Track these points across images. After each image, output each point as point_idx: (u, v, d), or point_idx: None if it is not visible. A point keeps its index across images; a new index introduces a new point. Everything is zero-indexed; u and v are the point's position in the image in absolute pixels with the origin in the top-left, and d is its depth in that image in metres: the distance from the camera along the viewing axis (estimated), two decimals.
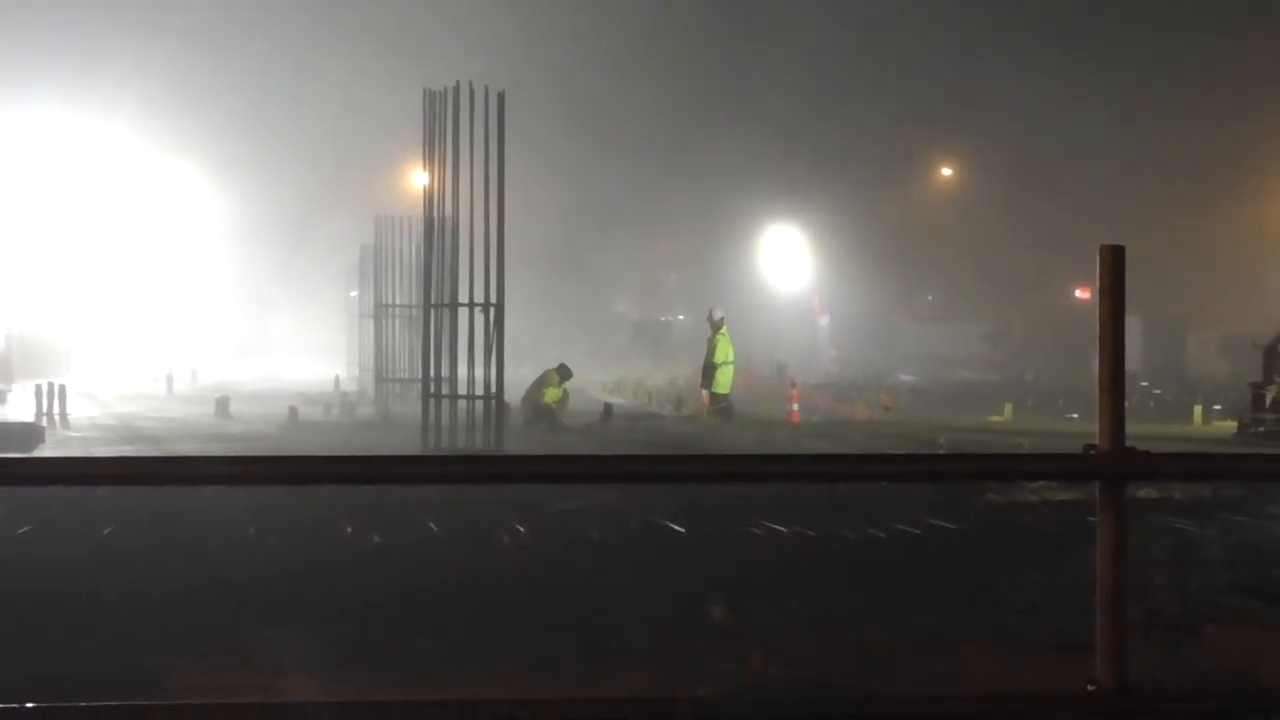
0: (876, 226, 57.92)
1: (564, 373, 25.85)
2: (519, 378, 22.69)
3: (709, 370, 27.31)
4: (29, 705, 4.78)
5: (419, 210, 20.42)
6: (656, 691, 7.94)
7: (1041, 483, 12.55)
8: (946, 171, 62.70)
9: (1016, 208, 56.02)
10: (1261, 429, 22.36)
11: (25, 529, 10.67)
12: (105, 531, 10.76)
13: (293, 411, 26.39)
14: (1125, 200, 50.99)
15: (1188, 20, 55.59)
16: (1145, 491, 12.07)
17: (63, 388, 26.76)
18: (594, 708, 6.04)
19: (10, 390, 32.10)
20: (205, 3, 55.73)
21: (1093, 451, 4.11)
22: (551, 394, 25.35)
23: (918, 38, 58.35)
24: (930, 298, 61.48)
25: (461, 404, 18.88)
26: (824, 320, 58.87)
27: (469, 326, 18.79)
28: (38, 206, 53.33)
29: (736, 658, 8.66)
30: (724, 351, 27.26)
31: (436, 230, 19.04)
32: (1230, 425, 25.13)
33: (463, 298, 18.92)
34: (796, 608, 9.51)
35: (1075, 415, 28.70)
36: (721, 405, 26.96)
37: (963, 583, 10.21)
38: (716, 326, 27.50)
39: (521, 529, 11.25)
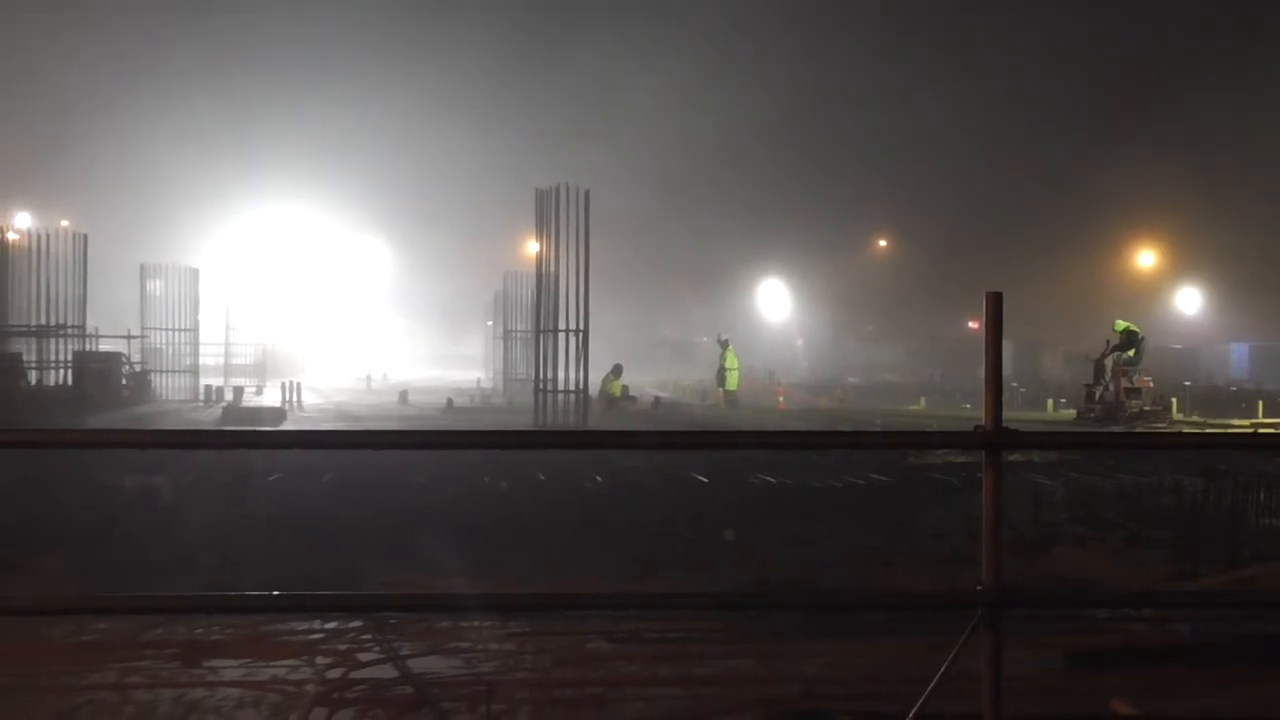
0: (835, 277, 57.76)
1: (617, 370, 25.86)
2: (597, 379, 22.69)
3: (721, 374, 27.34)
4: (275, 593, 4.81)
5: (533, 267, 20.49)
6: (688, 587, 7.92)
7: (944, 450, 12.48)
8: (883, 243, 62.42)
9: (930, 264, 55.74)
10: (1092, 415, 22.21)
11: (275, 476, 10.76)
12: (325, 479, 10.83)
13: (449, 401, 26.50)
14: (1004, 258, 50.63)
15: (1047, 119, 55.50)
16: (1015, 456, 11.98)
17: (299, 384, 26.97)
18: (644, 598, 6.05)
19: (265, 385, 32.41)
20: (384, 129, 56.46)
21: (980, 429, 4.08)
22: (616, 386, 25.36)
23: (862, 134, 58.34)
24: (870, 326, 61.18)
25: (560, 396, 18.91)
26: (800, 341, 58.77)
27: (565, 345, 18.82)
28: (282, 264, 53.97)
29: (739, 564, 8.64)
30: (731, 361, 27.32)
31: (544, 281, 19.10)
32: (1071, 413, 24.96)
33: (560, 326, 18.95)
34: (782, 532, 9.48)
35: (968, 405, 28.51)
36: (731, 398, 26.96)
37: (892, 517, 10.16)
38: (724, 345, 27.60)
39: (599, 478, 11.26)
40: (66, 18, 51.59)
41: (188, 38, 56.75)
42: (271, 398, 26.80)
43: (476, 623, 6.78)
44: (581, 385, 18.67)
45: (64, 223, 29.85)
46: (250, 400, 26.01)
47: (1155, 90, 52.46)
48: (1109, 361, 22.51)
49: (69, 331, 22.79)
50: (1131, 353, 22.50)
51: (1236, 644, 6.43)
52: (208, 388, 27.59)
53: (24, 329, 22.24)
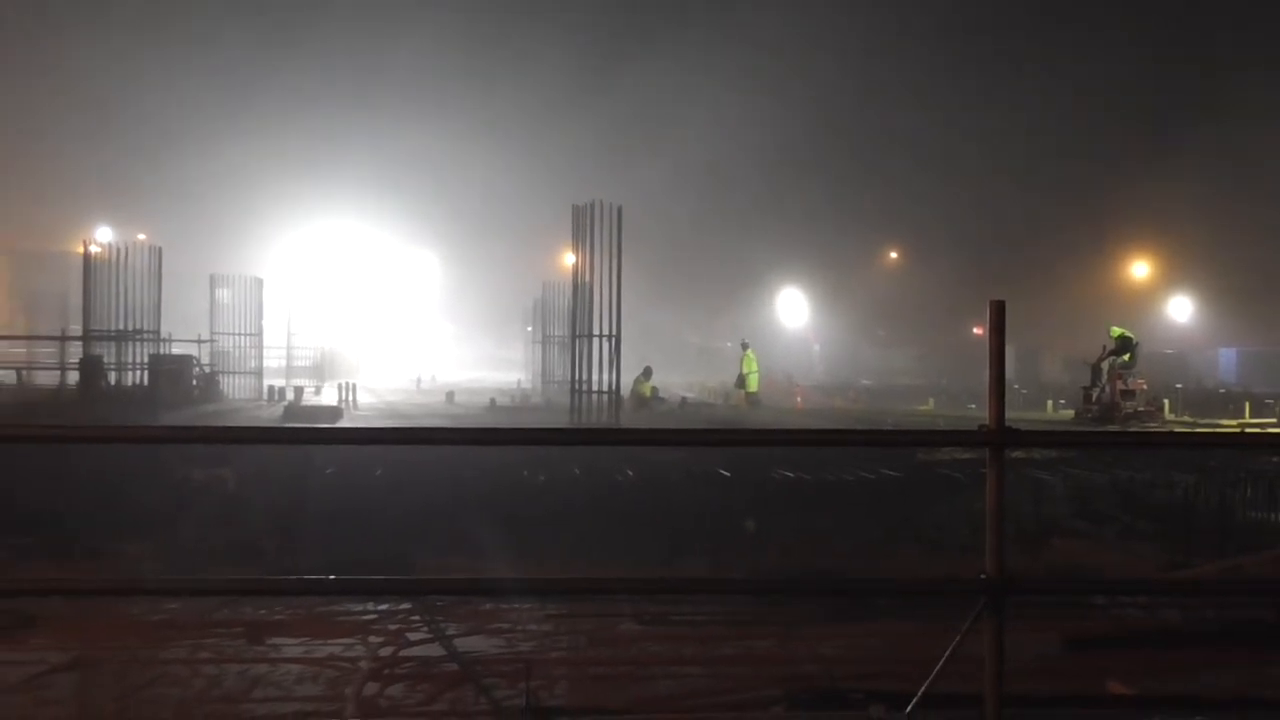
0: (849, 287, 57.54)
1: (647, 373, 25.80)
2: (629, 380, 22.63)
3: (742, 376, 27.28)
4: (331, 577, 4.84)
5: (570, 278, 20.46)
6: (712, 573, 7.91)
7: (951, 448, 12.39)
8: (894, 254, 62.07)
9: (939, 273, 55.33)
10: (1089, 415, 22.02)
11: (330, 470, 10.81)
12: (377, 472, 10.85)
13: (492, 401, 26.51)
14: (1006, 269, 50.22)
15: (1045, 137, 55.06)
16: (1017, 454, 11.88)
17: (354, 384, 27.03)
18: (671, 583, 6.05)
19: (323, 386, 32.54)
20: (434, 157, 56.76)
21: (984, 428, 4.06)
22: (646, 388, 25.32)
23: (875, 152, 58.21)
24: (882, 332, 60.86)
25: (594, 397, 18.87)
26: (816, 346, 58.57)
27: (599, 349, 18.78)
28: (340, 274, 54.29)
29: (760, 552, 8.61)
30: (751, 364, 27.22)
31: (580, 290, 19.09)
32: (1069, 413, 24.74)
33: (595, 332, 18.91)
34: (799, 523, 9.45)
35: (973, 405, 28.30)
36: (752, 399, 26.87)
37: (901, 509, 10.11)
38: (745, 349, 27.52)
39: (630, 472, 11.25)
40: (146, 46, 52.15)
41: (255, 66, 57.24)
42: (329, 397, 26.90)
43: (516, 605, 6.81)
44: (614, 386, 18.65)
45: (141, 236, 30.20)
46: (309, 400, 26.09)
47: (1152, 107, 52.15)
48: (1105, 365, 22.33)
49: (145, 336, 23.02)
50: (1126, 357, 22.31)
51: (1224, 628, 6.38)
52: (270, 388, 27.76)
53: (104, 333, 22.49)
